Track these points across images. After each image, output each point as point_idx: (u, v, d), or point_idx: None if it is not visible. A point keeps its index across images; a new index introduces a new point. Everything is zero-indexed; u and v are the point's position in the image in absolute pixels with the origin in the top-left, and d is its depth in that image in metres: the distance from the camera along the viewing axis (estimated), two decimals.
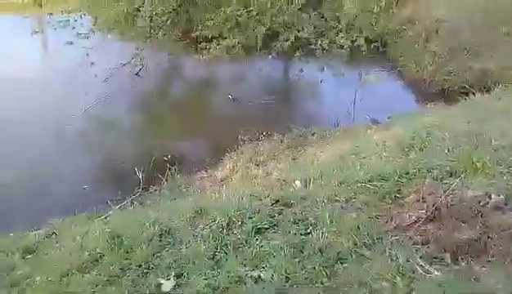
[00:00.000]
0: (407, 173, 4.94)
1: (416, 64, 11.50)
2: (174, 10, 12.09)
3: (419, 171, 4.94)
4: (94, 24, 11.96)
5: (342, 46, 9.90)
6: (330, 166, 6.24)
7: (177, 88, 12.06)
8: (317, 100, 10.78)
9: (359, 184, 4.92)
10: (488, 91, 10.30)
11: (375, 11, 11.48)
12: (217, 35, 11.15)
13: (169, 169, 8.50)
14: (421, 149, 5.77)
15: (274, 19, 10.47)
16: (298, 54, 10.48)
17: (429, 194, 4.44)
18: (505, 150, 4.96)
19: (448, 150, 5.37)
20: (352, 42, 10.06)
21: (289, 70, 11.85)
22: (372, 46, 11.05)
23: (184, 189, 7.91)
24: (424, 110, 9.45)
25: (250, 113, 10.65)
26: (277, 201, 5.07)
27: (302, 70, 11.13)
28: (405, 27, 12.46)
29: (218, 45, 10.60)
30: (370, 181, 4.95)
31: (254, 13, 10.58)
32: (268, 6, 10.44)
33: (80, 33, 10.99)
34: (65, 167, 8.72)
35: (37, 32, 12.16)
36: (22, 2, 16.00)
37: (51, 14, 12.17)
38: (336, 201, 4.69)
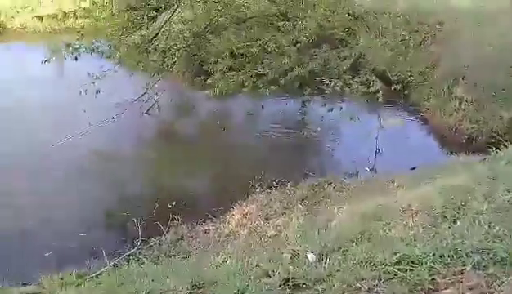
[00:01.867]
0: (442, 256, 4.20)
1: (441, 109, 10.80)
2: (188, 45, 11.71)
3: (456, 253, 4.20)
4: (109, 57, 11.48)
5: (358, 91, 9.28)
6: (350, 233, 5.52)
7: (188, 127, 11.54)
8: (334, 146, 10.11)
9: (385, 268, 4.20)
10: None
11: (397, 51, 10.92)
12: (228, 70, 10.67)
13: (172, 219, 7.90)
14: (454, 221, 5.02)
15: (291, 56, 9.95)
16: (310, 94, 9.90)
17: (471, 289, 3.71)
18: None
19: (489, 227, 4.62)
20: (368, 87, 9.43)
21: (303, 112, 11.26)
22: (393, 89, 10.42)
23: (186, 244, 7.25)
24: (452, 164, 8.67)
25: (263, 156, 10.04)
26: (287, 281, 4.38)
27: (318, 114, 10.53)
28: (428, 70, 11.81)
29: (230, 81, 10.09)
30: (397, 264, 4.22)
31: (272, 48, 10.10)
32: (284, 42, 9.92)
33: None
34: (61, 212, 8.12)
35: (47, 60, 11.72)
36: None
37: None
38: (357, 289, 3.98)
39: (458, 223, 4.97)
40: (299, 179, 8.89)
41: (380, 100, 9.89)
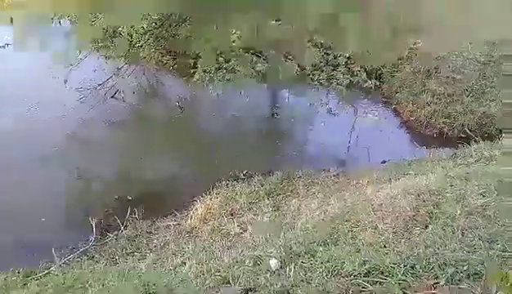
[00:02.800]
0: (413, 267, 3.94)
1: (413, 103, 10.62)
2: (157, 28, 11.07)
3: (428, 264, 3.94)
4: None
5: (340, 81, 8.96)
6: (317, 234, 5.22)
7: (154, 114, 10.94)
8: (307, 139, 9.77)
9: (353, 280, 3.91)
10: (491, 138, 9.50)
11: (374, 43, 10.58)
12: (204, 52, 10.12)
13: (132, 212, 7.43)
14: (426, 226, 4.78)
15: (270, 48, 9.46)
16: (291, 86, 9.52)
17: None
18: None
19: (462, 234, 4.40)
20: (352, 76, 9.11)
21: (280, 103, 10.86)
22: (368, 80, 10.16)
23: (145, 240, 6.82)
24: (423, 159, 8.52)
25: (231, 146, 9.60)
26: (247, 291, 4.05)
27: (294, 103, 10.18)
28: (402, 62, 11.58)
29: (205, 67, 9.56)
30: (367, 275, 3.94)
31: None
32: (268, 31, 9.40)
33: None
34: (13, 204, 7.49)
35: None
36: None
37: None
38: None
39: (430, 228, 4.73)
40: (268, 171, 8.54)
41: (359, 91, 9.63)
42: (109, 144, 9.50)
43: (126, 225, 7.23)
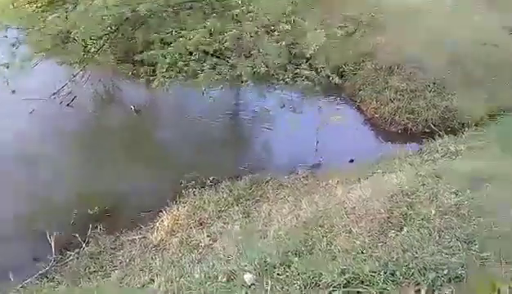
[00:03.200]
0: (393, 274, 3.81)
1: (377, 100, 10.64)
2: (112, 32, 10.61)
3: (408, 270, 3.82)
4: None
5: (305, 79, 8.79)
6: (291, 243, 5.02)
7: (113, 121, 10.46)
8: (274, 140, 9.55)
9: (333, 291, 3.74)
10: (454, 132, 9.64)
11: (336, 41, 10.53)
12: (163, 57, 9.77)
13: (94, 227, 7.02)
14: (401, 228, 4.68)
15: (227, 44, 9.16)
16: (254, 85, 9.29)
17: None
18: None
19: (439, 236, 4.31)
20: (316, 74, 8.97)
21: (244, 104, 10.59)
22: (332, 79, 10.03)
23: (109, 257, 6.43)
24: (390, 156, 8.50)
25: (196, 151, 9.28)
26: None
27: (258, 104, 9.95)
28: (364, 58, 11.60)
29: (164, 72, 9.15)
30: (346, 286, 3.77)
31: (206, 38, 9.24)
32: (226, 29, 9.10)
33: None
34: None
35: None
36: None
37: None
38: None
39: (405, 230, 4.63)
40: (236, 176, 8.30)
41: (323, 89, 9.50)
42: (64, 156, 8.98)
43: (88, 242, 6.81)
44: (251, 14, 9.09)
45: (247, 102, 10.39)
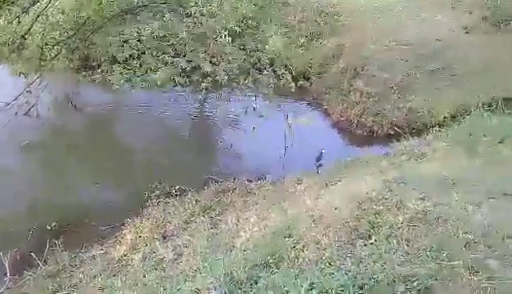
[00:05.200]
0: (363, 287, 3.71)
1: (342, 103, 10.64)
2: (69, 37, 10.20)
3: (377, 283, 3.73)
4: None
5: (267, 85, 8.68)
6: (258, 255, 4.86)
7: (74, 129, 10.03)
8: (240, 146, 9.36)
9: None
10: (418, 133, 9.74)
11: (298, 44, 10.51)
12: (124, 62, 9.48)
13: (52, 244, 6.66)
14: (370, 236, 4.59)
15: (192, 50, 8.95)
16: (217, 91, 9.11)
17: None
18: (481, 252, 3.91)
19: (408, 245, 4.24)
20: (279, 79, 8.88)
21: (208, 109, 10.34)
22: (296, 83, 9.93)
23: (68, 276, 6.09)
24: (357, 160, 8.48)
25: (160, 160, 9.02)
26: None
27: (223, 110, 9.75)
28: (328, 62, 11.61)
29: (122, 74, 8.87)
30: None
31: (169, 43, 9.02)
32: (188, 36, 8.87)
33: None
34: None
35: None
36: None
37: None
38: None
39: (373, 239, 4.54)
40: (202, 185, 8.08)
41: (293, 89, 9.40)
42: (20, 168, 8.52)
43: (46, 260, 6.45)
44: (211, 17, 8.93)
45: (211, 107, 10.16)
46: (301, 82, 9.48)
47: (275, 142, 9.03)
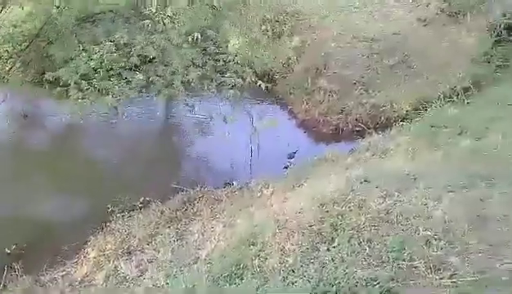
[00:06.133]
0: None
1: (307, 102, 10.63)
2: (23, 50, 9.86)
3: (339, 289, 3.67)
4: None
5: (231, 87, 8.55)
6: (222, 267, 4.75)
7: (29, 144, 9.67)
8: (206, 152, 9.19)
9: None
10: (382, 128, 9.82)
11: (258, 43, 10.42)
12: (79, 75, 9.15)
13: (10, 269, 6.35)
14: (333, 239, 4.55)
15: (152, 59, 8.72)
16: (180, 98, 8.93)
17: None
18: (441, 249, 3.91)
19: (369, 246, 4.21)
20: (243, 80, 8.77)
21: (171, 117, 10.14)
22: (260, 84, 9.85)
23: None
24: (323, 159, 8.46)
25: (123, 171, 8.78)
26: None
27: (186, 117, 9.57)
28: (291, 61, 11.60)
29: (80, 90, 8.54)
30: None
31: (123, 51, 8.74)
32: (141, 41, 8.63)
33: None
34: None
35: None
36: None
37: None
38: None
39: (336, 242, 4.50)
40: (167, 195, 7.89)
41: (251, 96, 9.33)
42: None
43: (5, 286, 6.15)
44: (169, 24, 8.76)
45: (175, 115, 9.97)
46: (265, 84, 9.37)
47: (241, 146, 8.92)
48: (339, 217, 4.82)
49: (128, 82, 8.32)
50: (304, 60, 11.44)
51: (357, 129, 10.05)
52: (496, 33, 11.39)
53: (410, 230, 4.23)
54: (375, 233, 4.35)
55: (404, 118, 9.81)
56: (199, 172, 8.80)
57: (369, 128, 9.73)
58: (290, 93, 11.14)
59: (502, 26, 11.37)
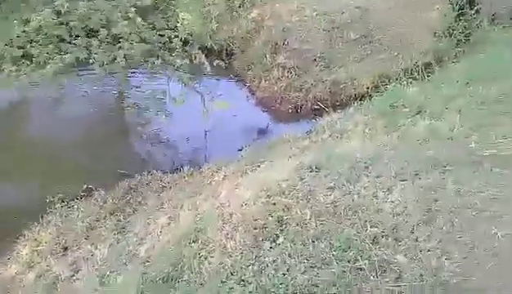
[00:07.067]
0: None
1: (265, 79, 10.16)
2: None
3: None
4: None
5: (176, 68, 7.98)
6: (161, 266, 4.36)
7: None
8: (155, 135, 8.63)
9: None
10: (342, 106, 9.51)
11: (214, 17, 9.79)
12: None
13: None
14: (277, 236, 4.19)
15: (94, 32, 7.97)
16: (123, 77, 8.28)
17: None
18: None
19: (314, 245, 3.87)
20: (191, 60, 8.21)
21: (116, 95, 9.46)
22: (216, 60, 9.27)
23: None
24: (280, 140, 8.09)
25: (64, 155, 8.11)
26: None
27: (133, 96, 8.94)
28: (250, 35, 11.04)
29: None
30: None
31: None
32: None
33: None
34: None
35: None
36: None
37: None
38: None
39: (280, 239, 4.15)
40: (112, 181, 7.36)
41: (205, 73, 8.79)
42: None
43: None
44: None
45: (120, 93, 9.28)
46: (217, 61, 8.83)
47: (194, 128, 8.45)
48: (285, 210, 4.47)
49: (68, 54, 7.60)
50: (264, 35, 10.89)
51: (317, 107, 9.70)
52: (458, 7, 11.15)
53: (358, 226, 3.92)
54: (321, 229, 4.02)
55: (364, 96, 9.51)
56: (148, 156, 8.28)
57: (328, 107, 9.40)
58: (249, 69, 10.62)
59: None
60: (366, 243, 3.69)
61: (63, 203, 6.82)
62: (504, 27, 10.66)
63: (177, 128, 8.49)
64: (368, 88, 9.80)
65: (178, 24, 8.72)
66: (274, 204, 4.66)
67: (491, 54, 9.10)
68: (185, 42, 8.59)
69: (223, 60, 10.50)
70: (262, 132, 9.12)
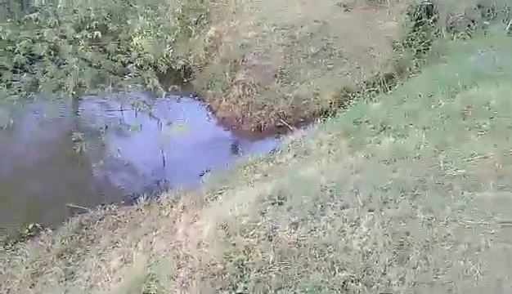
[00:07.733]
0: None
1: (226, 97, 9.78)
2: None
3: None
4: None
5: (131, 92, 7.50)
6: None
7: None
8: (109, 166, 8.02)
9: None
10: (306, 122, 9.27)
11: (168, 38, 9.34)
12: None
13: None
14: (236, 285, 3.78)
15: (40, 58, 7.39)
16: (72, 106, 7.74)
17: None
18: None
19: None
20: (145, 84, 7.73)
21: (66, 124, 8.82)
22: (171, 84, 8.74)
23: None
24: (242, 164, 7.70)
25: (11, 192, 7.42)
26: None
27: (83, 125, 8.36)
28: (208, 53, 10.65)
29: None
30: None
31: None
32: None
33: None
34: None
35: None
36: None
37: None
38: None
39: (241, 288, 3.75)
40: (62, 218, 6.77)
41: (161, 97, 8.29)
42: None
43: None
44: (63, 17, 7.44)
45: (71, 122, 8.66)
46: (173, 86, 8.38)
47: (151, 155, 7.96)
48: (246, 252, 4.08)
49: (11, 85, 7.02)
50: (222, 52, 10.52)
51: (280, 125, 9.40)
52: (416, 17, 11.17)
53: (325, 270, 3.56)
54: (284, 275, 3.65)
55: (327, 111, 9.28)
56: (102, 187, 7.69)
57: (291, 124, 9.14)
58: (208, 88, 10.22)
59: (422, 9, 11.17)
60: (335, 290, 3.34)
61: (6, 246, 6.20)
62: (461, 34, 10.76)
63: (134, 156, 7.98)
64: (331, 103, 9.59)
65: (131, 49, 8.23)
66: (234, 245, 4.26)
67: (451, 63, 9.08)
68: (139, 67, 8.10)
69: (182, 81, 10.15)
70: (225, 154, 8.71)
